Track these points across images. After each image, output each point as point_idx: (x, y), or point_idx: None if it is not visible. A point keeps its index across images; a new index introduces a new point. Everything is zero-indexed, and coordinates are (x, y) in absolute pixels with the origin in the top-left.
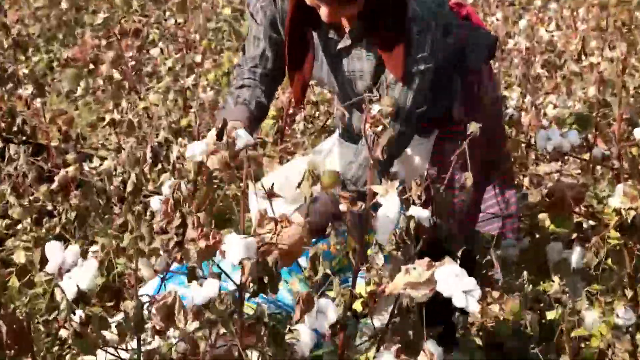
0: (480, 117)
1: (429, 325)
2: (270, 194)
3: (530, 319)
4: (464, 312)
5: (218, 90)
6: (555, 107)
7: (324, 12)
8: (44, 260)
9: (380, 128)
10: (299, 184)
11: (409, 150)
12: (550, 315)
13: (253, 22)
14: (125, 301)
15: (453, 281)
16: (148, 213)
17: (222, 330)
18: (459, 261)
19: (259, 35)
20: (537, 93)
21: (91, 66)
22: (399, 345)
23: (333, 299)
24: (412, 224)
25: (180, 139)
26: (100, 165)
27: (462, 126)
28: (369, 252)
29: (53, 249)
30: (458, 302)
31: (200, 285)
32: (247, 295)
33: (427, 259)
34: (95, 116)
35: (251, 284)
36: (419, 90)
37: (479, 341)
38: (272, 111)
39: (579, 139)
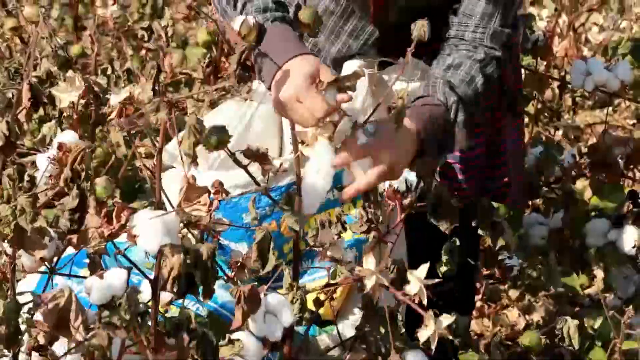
0: None
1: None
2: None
3: (566, 327)
4: (463, 312)
5: (125, 5)
6: (602, 29)
7: None
8: None
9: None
10: (180, 143)
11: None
12: (591, 321)
13: None
14: None
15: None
16: (25, 178)
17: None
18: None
19: None
20: (576, 10)
21: None
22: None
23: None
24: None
25: (70, 73)
26: None
27: None
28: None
29: None
30: None
31: (101, 277)
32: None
33: None
34: None
35: (175, 281)
36: None
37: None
38: (202, 34)
39: (633, 74)
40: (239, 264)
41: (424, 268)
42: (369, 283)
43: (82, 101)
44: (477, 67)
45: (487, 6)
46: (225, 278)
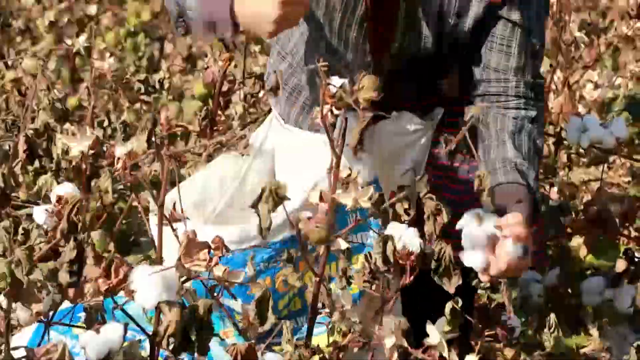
0: None
1: None
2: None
3: None
4: None
5: (122, 57)
6: (596, 86)
7: None
8: None
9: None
10: (254, 204)
11: (396, 142)
12: None
13: None
14: None
15: None
16: (20, 231)
17: None
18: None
19: None
20: (571, 67)
21: None
22: None
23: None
24: (390, 248)
25: (67, 126)
26: None
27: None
28: (332, 288)
29: None
30: None
31: (97, 332)
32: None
33: None
34: None
35: (170, 338)
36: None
37: None
38: (199, 87)
39: (628, 131)
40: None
41: (442, 321)
42: (388, 343)
43: (92, 151)
44: (536, 130)
45: (519, 59)
46: (221, 335)
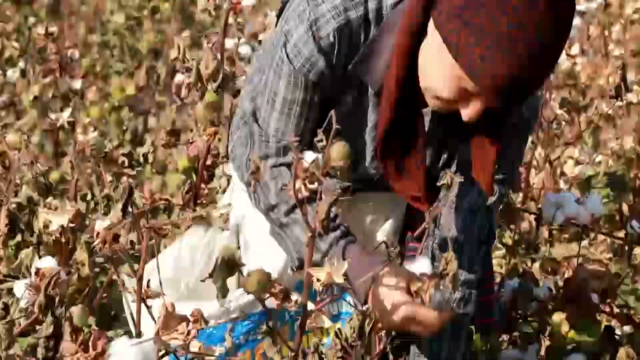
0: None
1: None
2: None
3: None
4: None
5: (104, 131)
6: (577, 163)
7: (471, 109)
8: None
9: (316, 185)
10: (211, 274)
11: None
12: None
13: (304, 78)
14: None
15: None
16: (0, 305)
17: None
18: None
19: (311, 100)
20: (552, 143)
21: None
22: None
23: None
24: (367, 325)
25: (50, 199)
26: None
27: None
28: None
29: None
30: None
31: None
32: None
33: None
34: None
35: None
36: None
37: None
38: (183, 161)
39: (607, 207)
40: None
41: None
42: None
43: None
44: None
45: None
46: None
